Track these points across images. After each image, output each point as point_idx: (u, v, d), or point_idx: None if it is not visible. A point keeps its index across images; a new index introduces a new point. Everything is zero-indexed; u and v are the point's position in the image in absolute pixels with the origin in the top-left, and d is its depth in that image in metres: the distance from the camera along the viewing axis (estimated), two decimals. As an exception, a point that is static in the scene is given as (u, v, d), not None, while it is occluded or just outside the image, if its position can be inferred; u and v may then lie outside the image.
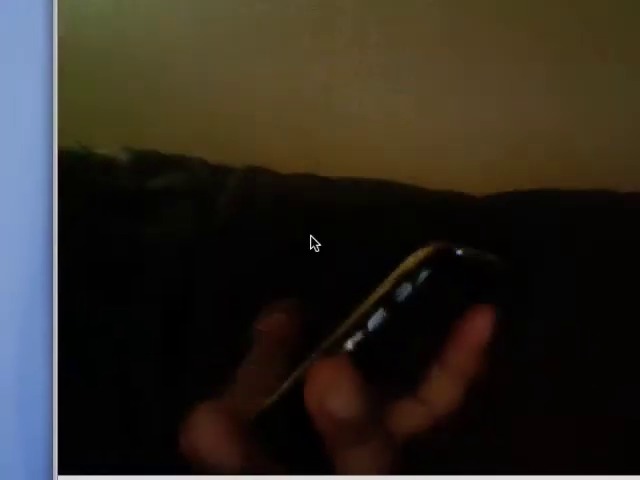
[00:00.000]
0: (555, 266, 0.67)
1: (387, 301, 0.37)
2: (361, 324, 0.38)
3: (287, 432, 0.38)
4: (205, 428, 0.36)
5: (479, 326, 0.39)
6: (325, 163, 0.77)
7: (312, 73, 0.90)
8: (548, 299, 0.65)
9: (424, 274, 0.37)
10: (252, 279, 0.63)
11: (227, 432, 0.36)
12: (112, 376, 0.57)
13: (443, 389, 0.40)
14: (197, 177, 0.71)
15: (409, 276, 0.37)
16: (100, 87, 0.88)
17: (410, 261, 0.38)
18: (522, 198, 0.74)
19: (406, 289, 0.37)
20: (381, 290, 0.38)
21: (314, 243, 0.64)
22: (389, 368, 0.39)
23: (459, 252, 0.39)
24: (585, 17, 0.91)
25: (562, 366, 0.63)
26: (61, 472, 0.53)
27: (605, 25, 0.91)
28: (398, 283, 0.37)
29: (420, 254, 0.38)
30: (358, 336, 0.37)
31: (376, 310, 0.37)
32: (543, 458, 0.60)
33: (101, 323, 0.58)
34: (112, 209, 0.64)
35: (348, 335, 0.38)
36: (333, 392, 0.35)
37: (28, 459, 0.54)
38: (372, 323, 0.37)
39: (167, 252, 0.63)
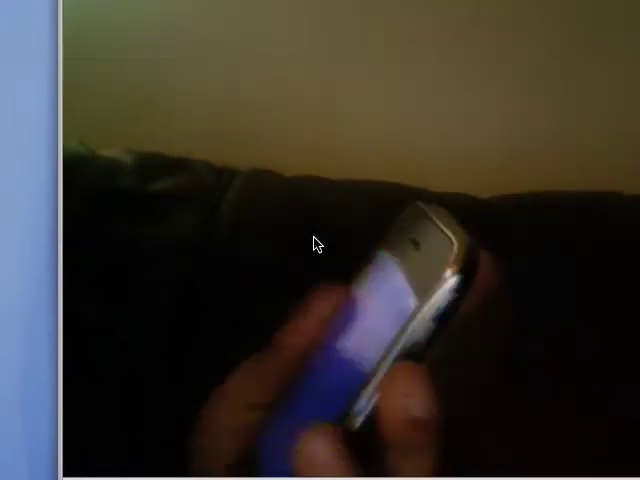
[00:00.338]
0: (557, 267, 0.67)
1: (436, 316, 0.38)
2: (414, 345, 0.38)
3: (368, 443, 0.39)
4: (318, 449, 0.37)
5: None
6: (329, 165, 0.77)
7: (315, 75, 0.90)
8: (549, 299, 0.65)
9: (460, 280, 0.38)
10: (256, 281, 0.63)
11: (338, 452, 0.37)
12: (117, 377, 0.57)
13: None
14: (202, 180, 0.71)
15: (452, 289, 0.38)
16: (104, 89, 0.88)
17: (450, 274, 0.38)
18: (524, 200, 0.74)
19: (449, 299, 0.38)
20: (431, 308, 0.38)
21: (317, 244, 0.64)
22: None
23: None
24: (585, 17, 0.91)
25: (562, 366, 0.63)
26: (66, 474, 0.53)
27: (605, 25, 0.91)
28: (445, 299, 0.38)
29: (454, 265, 0.39)
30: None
31: (427, 326, 0.38)
32: (543, 459, 0.61)
33: (105, 325, 0.58)
34: (116, 211, 0.64)
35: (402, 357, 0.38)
36: (416, 394, 0.36)
37: (32, 461, 0.54)
38: (424, 337, 0.38)
39: (171, 254, 0.63)
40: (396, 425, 0.36)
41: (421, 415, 0.36)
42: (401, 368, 0.37)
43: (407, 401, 0.36)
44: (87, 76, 0.84)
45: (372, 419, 0.38)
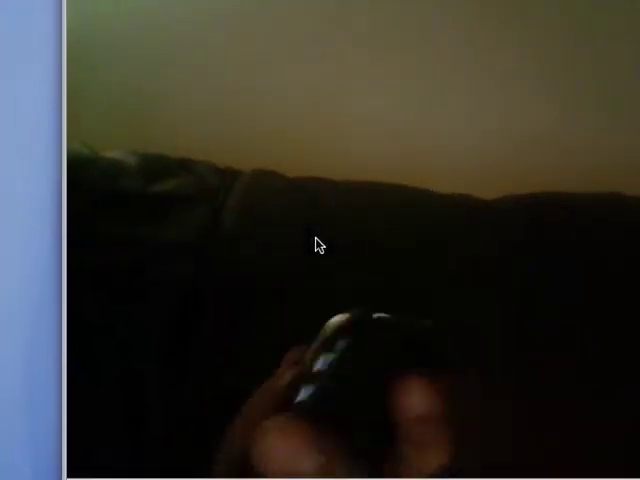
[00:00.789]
0: (556, 268, 0.67)
1: (309, 376, 0.37)
2: (289, 399, 0.37)
3: None
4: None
5: (412, 402, 0.36)
6: (331, 166, 0.78)
7: (317, 78, 0.90)
8: (548, 299, 0.66)
9: (342, 342, 0.37)
10: (257, 281, 0.63)
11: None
12: (119, 377, 0.57)
13: (425, 458, 0.38)
14: (204, 181, 0.71)
15: (327, 346, 0.37)
16: (109, 91, 0.88)
17: (326, 330, 0.37)
18: (525, 201, 0.74)
19: (327, 359, 0.36)
20: (299, 367, 0.37)
21: (319, 245, 0.64)
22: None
23: (377, 315, 0.37)
24: (585, 18, 0.91)
25: (562, 366, 0.63)
26: (70, 475, 0.53)
27: (605, 25, 0.91)
28: (316, 356, 0.36)
29: (336, 322, 0.37)
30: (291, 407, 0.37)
31: (301, 386, 0.37)
32: (543, 458, 0.61)
33: (107, 325, 0.59)
34: (119, 212, 0.65)
35: (279, 409, 0.37)
36: (280, 453, 0.35)
37: (37, 461, 0.54)
38: (301, 396, 0.37)
39: (173, 255, 0.63)
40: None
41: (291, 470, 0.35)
42: (273, 423, 0.35)
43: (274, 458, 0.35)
44: (90, 79, 0.84)
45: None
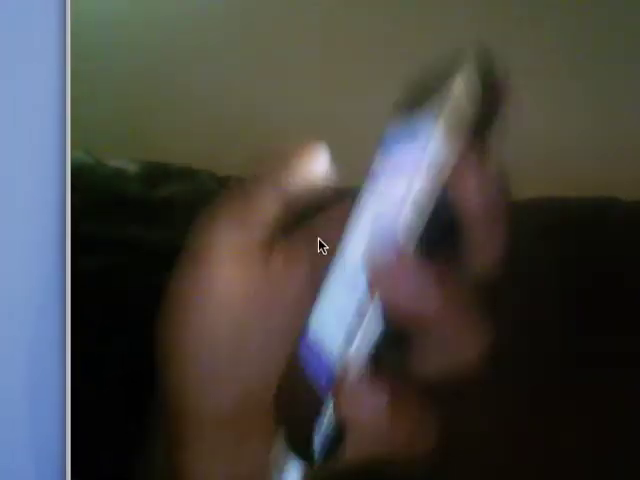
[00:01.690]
0: (561, 272, 0.67)
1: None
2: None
3: None
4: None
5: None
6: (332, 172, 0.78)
7: (317, 82, 0.91)
8: (553, 302, 0.66)
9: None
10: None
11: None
12: (124, 380, 0.57)
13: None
14: (205, 188, 0.71)
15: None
16: (111, 99, 0.89)
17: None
18: (526, 206, 0.74)
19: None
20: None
21: (322, 245, 0.64)
22: None
23: None
24: (585, 18, 0.91)
25: (561, 366, 0.63)
26: (74, 477, 0.53)
27: (605, 25, 0.91)
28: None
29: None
30: None
31: None
32: (543, 462, 0.61)
33: (109, 328, 0.59)
34: (120, 218, 0.65)
35: None
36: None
37: (40, 464, 0.54)
38: None
39: (173, 260, 0.64)
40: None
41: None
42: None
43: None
44: (93, 88, 0.85)
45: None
